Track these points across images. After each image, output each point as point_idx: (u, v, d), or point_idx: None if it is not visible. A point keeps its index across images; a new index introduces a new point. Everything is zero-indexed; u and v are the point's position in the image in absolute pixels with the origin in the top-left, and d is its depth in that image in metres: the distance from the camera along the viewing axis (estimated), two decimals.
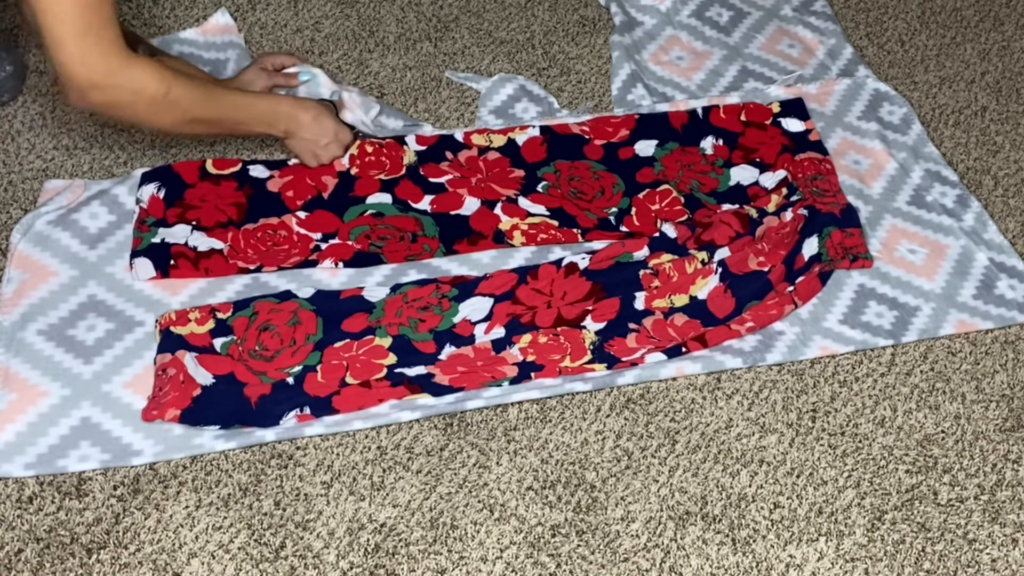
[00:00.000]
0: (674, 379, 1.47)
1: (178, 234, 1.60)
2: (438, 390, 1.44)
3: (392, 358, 1.47)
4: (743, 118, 1.80)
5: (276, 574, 1.28)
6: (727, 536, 1.32)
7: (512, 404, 1.44)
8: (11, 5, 1.89)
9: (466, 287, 1.55)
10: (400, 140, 1.74)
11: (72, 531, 1.31)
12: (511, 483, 1.37)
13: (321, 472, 1.37)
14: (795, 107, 1.81)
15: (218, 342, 1.48)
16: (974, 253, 1.62)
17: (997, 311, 1.56)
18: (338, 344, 1.48)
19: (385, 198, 1.67)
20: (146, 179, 1.66)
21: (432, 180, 1.70)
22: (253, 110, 1.57)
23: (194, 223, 1.62)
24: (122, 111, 1.44)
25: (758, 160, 1.74)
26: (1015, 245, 1.65)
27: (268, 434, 1.40)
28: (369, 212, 1.66)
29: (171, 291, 1.55)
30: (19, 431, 1.39)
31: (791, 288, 1.54)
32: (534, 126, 1.77)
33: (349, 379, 1.45)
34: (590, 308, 1.53)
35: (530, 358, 1.48)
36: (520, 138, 1.76)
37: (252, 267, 1.58)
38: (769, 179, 1.71)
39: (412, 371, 1.46)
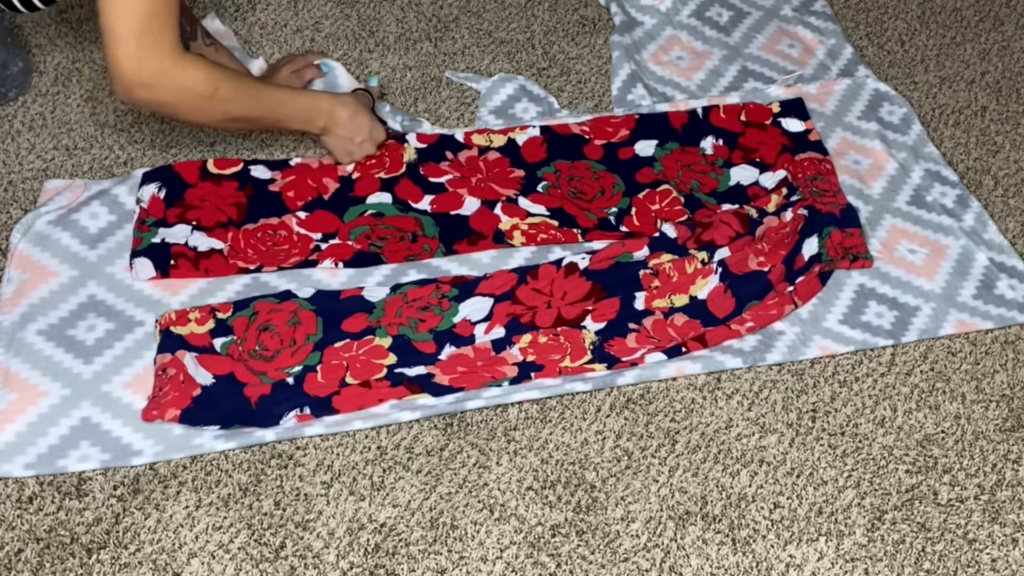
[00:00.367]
0: (674, 379, 1.47)
1: (178, 234, 1.60)
2: (438, 390, 1.44)
3: (392, 358, 1.47)
4: (743, 118, 1.80)
5: (276, 574, 1.28)
6: (727, 536, 1.32)
7: (512, 404, 1.44)
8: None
9: (466, 287, 1.55)
10: (400, 138, 1.74)
11: (72, 531, 1.31)
12: (511, 483, 1.37)
13: (321, 472, 1.37)
14: (795, 107, 1.81)
15: (218, 342, 1.48)
16: (974, 253, 1.62)
17: (997, 311, 1.56)
18: (338, 344, 1.48)
19: (385, 198, 1.67)
20: (147, 179, 1.67)
21: (432, 180, 1.70)
22: (293, 107, 1.58)
23: (194, 223, 1.62)
24: (165, 108, 1.46)
25: (758, 160, 1.74)
26: (1015, 245, 1.65)
27: (268, 434, 1.40)
28: (369, 212, 1.66)
29: (171, 291, 1.55)
30: (19, 431, 1.39)
31: (791, 288, 1.54)
32: (534, 126, 1.77)
33: (349, 379, 1.45)
34: (590, 308, 1.53)
35: (530, 358, 1.48)
36: (520, 138, 1.76)
37: (252, 267, 1.58)
38: (769, 179, 1.71)
39: (412, 371, 1.46)
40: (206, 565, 1.29)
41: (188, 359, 1.44)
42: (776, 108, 1.81)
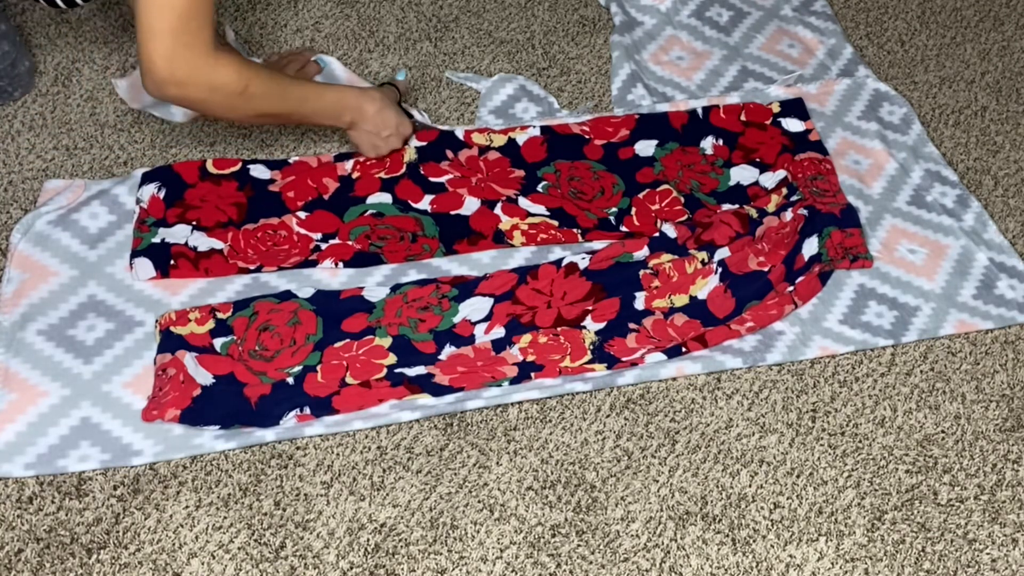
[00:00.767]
0: (674, 379, 1.47)
1: (178, 234, 1.60)
2: (438, 390, 1.44)
3: (392, 358, 1.47)
4: (743, 118, 1.80)
5: (276, 574, 1.28)
6: (727, 536, 1.32)
7: (512, 404, 1.44)
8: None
9: (466, 287, 1.55)
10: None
11: (72, 531, 1.31)
12: (511, 483, 1.37)
13: (321, 472, 1.37)
14: (795, 107, 1.81)
15: (218, 342, 1.48)
16: (974, 253, 1.62)
17: (997, 311, 1.56)
18: (338, 344, 1.48)
19: (385, 198, 1.67)
20: (146, 179, 1.67)
21: (432, 180, 1.70)
22: (321, 103, 1.59)
23: (194, 223, 1.62)
24: (196, 105, 1.48)
25: (758, 160, 1.74)
26: (1015, 245, 1.65)
27: (268, 434, 1.40)
28: (369, 212, 1.66)
29: (171, 291, 1.55)
30: (19, 431, 1.39)
31: (791, 288, 1.54)
32: (534, 126, 1.77)
33: (349, 379, 1.45)
34: (590, 308, 1.53)
35: (530, 358, 1.48)
36: (520, 138, 1.76)
37: (252, 267, 1.58)
38: (769, 179, 1.71)
39: (412, 371, 1.46)
40: (206, 565, 1.29)
41: (188, 359, 1.44)
42: (776, 108, 1.81)
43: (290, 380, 1.44)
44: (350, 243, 1.61)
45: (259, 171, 1.70)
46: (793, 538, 1.32)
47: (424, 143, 1.74)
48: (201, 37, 1.40)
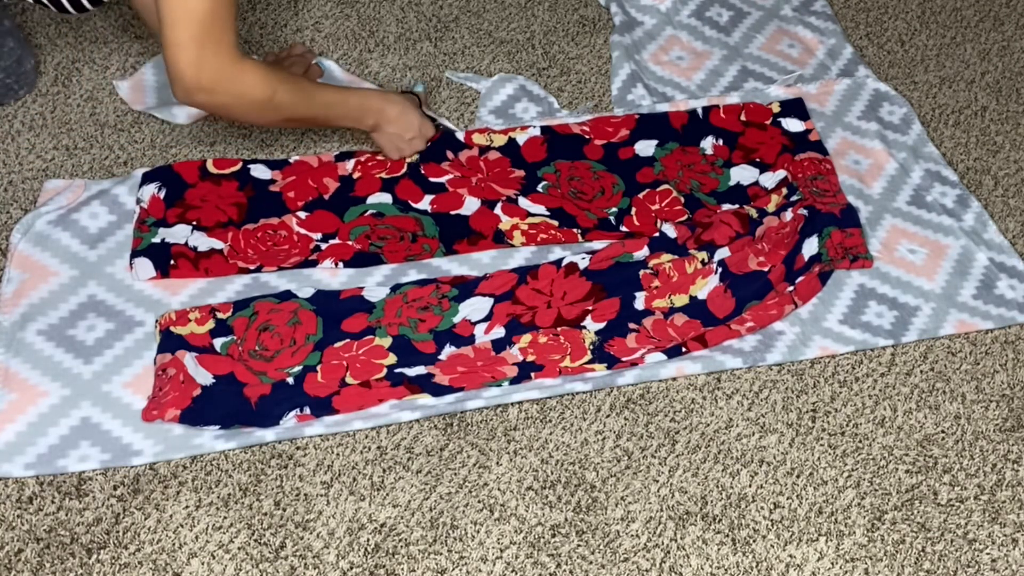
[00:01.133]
0: (674, 379, 1.47)
1: (178, 234, 1.60)
2: (438, 390, 1.44)
3: (392, 358, 1.47)
4: (743, 118, 1.80)
5: (276, 574, 1.28)
6: (727, 536, 1.32)
7: (512, 404, 1.44)
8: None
9: (466, 287, 1.55)
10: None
11: (72, 531, 1.31)
12: (511, 483, 1.37)
13: (321, 472, 1.37)
14: (795, 107, 1.81)
15: (218, 342, 1.48)
16: (974, 253, 1.62)
17: (997, 311, 1.56)
18: (338, 344, 1.48)
19: (385, 198, 1.67)
20: (146, 179, 1.67)
21: (432, 180, 1.70)
22: (345, 107, 1.61)
23: (194, 223, 1.62)
24: (224, 111, 1.50)
25: (758, 160, 1.74)
26: (1015, 245, 1.65)
27: (268, 434, 1.40)
28: (369, 212, 1.66)
29: (171, 291, 1.55)
30: (19, 431, 1.39)
31: (791, 288, 1.54)
32: (535, 126, 1.77)
33: (349, 379, 1.45)
34: (590, 308, 1.53)
35: (530, 358, 1.48)
36: (521, 138, 1.76)
37: (252, 267, 1.58)
38: (769, 179, 1.71)
39: (412, 371, 1.46)
40: (206, 565, 1.29)
41: (188, 359, 1.44)
42: (776, 108, 1.81)
43: (290, 380, 1.44)
44: (350, 243, 1.61)
45: (259, 171, 1.70)
46: (793, 538, 1.32)
47: None
48: (225, 42, 1.41)
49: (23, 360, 1.46)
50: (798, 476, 1.38)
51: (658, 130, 1.78)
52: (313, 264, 1.59)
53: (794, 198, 1.64)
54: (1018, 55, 1.97)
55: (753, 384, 1.47)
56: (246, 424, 1.40)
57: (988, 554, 1.32)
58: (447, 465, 1.39)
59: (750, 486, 1.37)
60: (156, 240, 1.59)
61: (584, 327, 1.51)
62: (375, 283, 1.57)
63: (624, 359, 1.48)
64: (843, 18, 2.04)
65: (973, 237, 1.65)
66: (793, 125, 1.79)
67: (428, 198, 1.68)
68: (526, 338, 1.50)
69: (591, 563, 1.30)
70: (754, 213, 1.63)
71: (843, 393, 1.47)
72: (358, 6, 2.02)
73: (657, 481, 1.37)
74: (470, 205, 1.67)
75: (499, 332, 1.51)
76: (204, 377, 1.43)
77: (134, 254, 1.58)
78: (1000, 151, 1.79)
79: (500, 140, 1.75)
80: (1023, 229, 1.68)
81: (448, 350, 1.49)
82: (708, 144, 1.76)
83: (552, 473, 1.38)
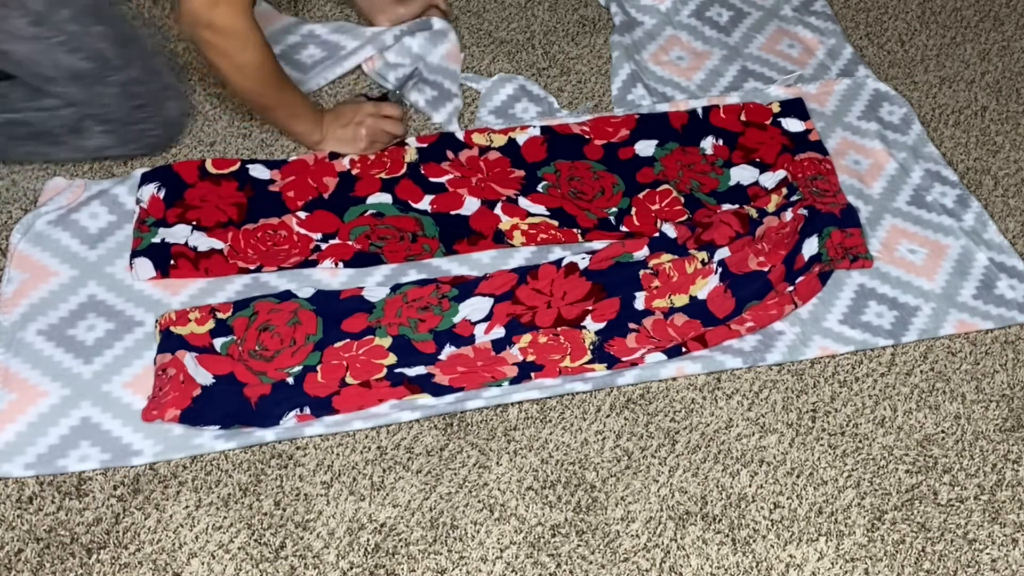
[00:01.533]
0: (674, 379, 1.47)
1: (178, 234, 1.60)
2: (438, 390, 1.44)
3: (392, 358, 1.47)
4: (743, 118, 1.80)
5: (276, 574, 1.28)
6: (727, 536, 1.32)
7: (512, 404, 1.44)
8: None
9: (466, 287, 1.55)
10: (400, 141, 1.74)
11: (72, 531, 1.31)
12: (511, 483, 1.37)
13: (321, 472, 1.37)
14: (795, 107, 1.81)
15: (218, 342, 1.48)
16: (974, 253, 1.62)
17: (997, 311, 1.56)
18: (338, 344, 1.48)
19: (385, 198, 1.67)
20: (146, 179, 1.67)
21: (432, 180, 1.70)
22: (304, 107, 1.66)
23: (194, 223, 1.62)
24: (215, 57, 1.51)
25: (758, 160, 1.74)
26: (1015, 245, 1.65)
27: (268, 434, 1.40)
28: (369, 212, 1.66)
29: (171, 291, 1.55)
30: (19, 431, 1.39)
31: (791, 288, 1.54)
32: (535, 126, 1.77)
33: (349, 379, 1.45)
34: (590, 308, 1.53)
35: (530, 358, 1.48)
36: (521, 138, 1.76)
37: (252, 267, 1.58)
38: (769, 179, 1.71)
39: (412, 371, 1.46)
40: (206, 565, 1.29)
41: (188, 359, 1.44)
42: (776, 108, 1.81)
43: (290, 380, 1.44)
44: (350, 243, 1.61)
45: (258, 171, 1.70)
46: (793, 538, 1.32)
47: (424, 145, 1.74)
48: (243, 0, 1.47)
49: (23, 360, 1.46)
50: (798, 476, 1.38)
51: (658, 130, 1.78)
52: (313, 264, 1.59)
53: (794, 198, 1.64)
54: (1018, 55, 1.97)
55: (753, 384, 1.47)
56: (246, 424, 1.40)
57: (988, 554, 1.32)
58: (447, 465, 1.39)
59: (750, 486, 1.37)
60: (156, 240, 1.59)
61: (584, 327, 1.51)
62: (375, 283, 1.57)
63: (624, 359, 1.48)
64: (843, 18, 2.04)
65: (973, 237, 1.65)
66: (793, 125, 1.78)
67: (428, 198, 1.68)
68: (526, 338, 1.50)
69: (591, 563, 1.30)
70: (754, 213, 1.63)
71: (843, 393, 1.47)
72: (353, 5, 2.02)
73: (657, 481, 1.37)
74: (470, 205, 1.67)
75: (499, 332, 1.51)
76: (204, 377, 1.43)
77: (134, 254, 1.58)
78: (1000, 151, 1.79)
79: (500, 140, 1.75)
80: (1023, 229, 1.68)
81: (448, 350, 1.49)
82: (708, 144, 1.76)
83: (552, 473, 1.38)
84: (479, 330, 1.51)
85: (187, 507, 1.34)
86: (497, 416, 1.44)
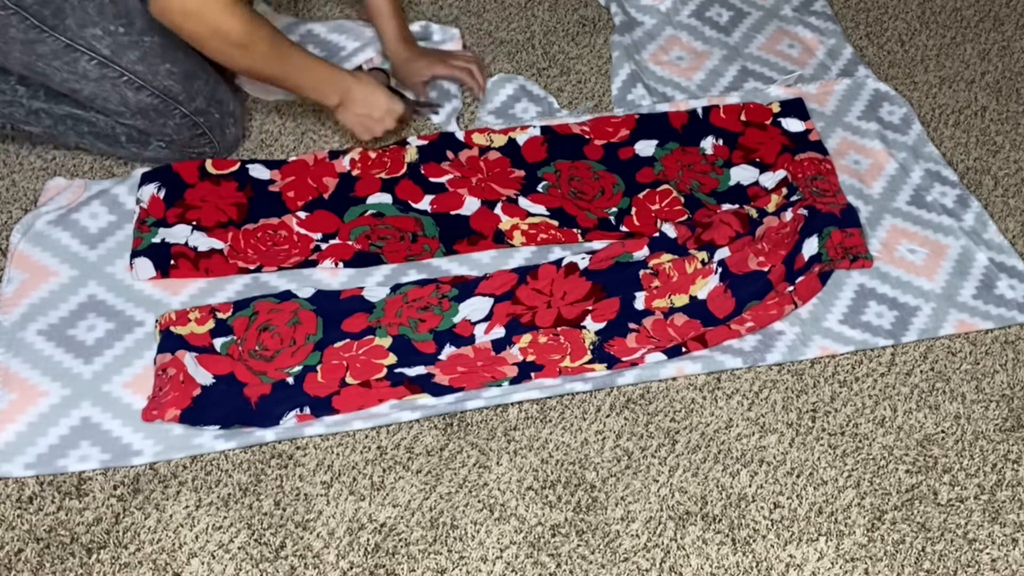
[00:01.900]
0: (674, 379, 1.47)
1: (178, 234, 1.60)
2: (438, 390, 1.44)
3: (392, 358, 1.47)
4: (743, 118, 1.80)
5: (276, 574, 1.28)
6: (727, 536, 1.32)
7: (512, 404, 1.44)
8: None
9: (466, 287, 1.55)
10: (401, 141, 1.74)
11: (72, 531, 1.31)
12: (511, 483, 1.37)
13: (321, 472, 1.37)
14: (795, 107, 1.81)
15: (218, 342, 1.48)
16: (974, 253, 1.62)
17: (997, 311, 1.56)
18: (338, 344, 1.48)
19: (385, 198, 1.67)
20: (146, 179, 1.67)
21: (432, 180, 1.70)
22: (314, 76, 1.60)
23: (194, 223, 1.62)
24: (195, 41, 1.49)
25: (758, 160, 1.74)
26: (1015, 245, 1.65)
27: (268, 434, 1.40)
28: (369, 212, 1.66)
29: (171, 291, 1.55)
30: (19, 431, 1.39)
31: (791, 288, 1.54)
32: (535, 126, 1.77)
33: (349, 379, 1.45)
34: (590, 308, 1.53)
35: (530, 358, 1.48)
36: (521, 138, 1.76)
37: (252, 267, 1.58)
38: (769, 179, 1.71)
39: (412, 371, 1.46)
40: (206, 565, 1.29)
41: (188, 359, 1.44)
42: (776, 108, 1.81)
43: (290, 380, 1.44)
44: (350, 243, 1.61)
45: (258, 171, 1.70)
46: (793, 538, 1.32)
47: (425, 143, 1.74)
48: None
49: (23, 360, 1.46)
50: (798, 476, 1.38)
51: (658, 130, 1.78)
52: (313, 264, 1.59)
53: (794, 198, 1.64)
54: (1018, 55, 1.97)
55: (753, 384, 1.47)
56: (246, 424, 1.40)
57: (988, 554, 1.32)
58: (447, 465, 1.39)
59: (750, 486, 1.37)
60: (156, 240, 1.59)
61: (584, 327, 1.51)
62: (375, 283, 1.57)
63: (624, 359, 1.48)
64: (843, 18, 2.04)
65: (973, 237, 1.65)
66: (793, 125, 1.79)
67: (428, 198, 1.68)
68: (526, 338, 1.50)
69: (591, 563, 1.30)
70: (754, 213, 1.63)
71: (843, 393, 1.47)
72: (358, 7, 2.02)
73: (657, 481, 1.37)
74: (470, 205, 1.67)
75: (499, 332, 1.51)
76: (204, 377, 1.43)
77: (134, 254, 1.58)
78: (1000, 151, 1.79)
79: (500, 140, 1.75)
80: (1023, 229, 1.68)
81: (448, 350, 1.49)
82: (708, 144, 1.76)
83: (552, 473, 1.38)
84: (479, 330, 1.51)
85: (187, 507, 1.34)
86: (497, 416, 1.44)
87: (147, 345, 1.48)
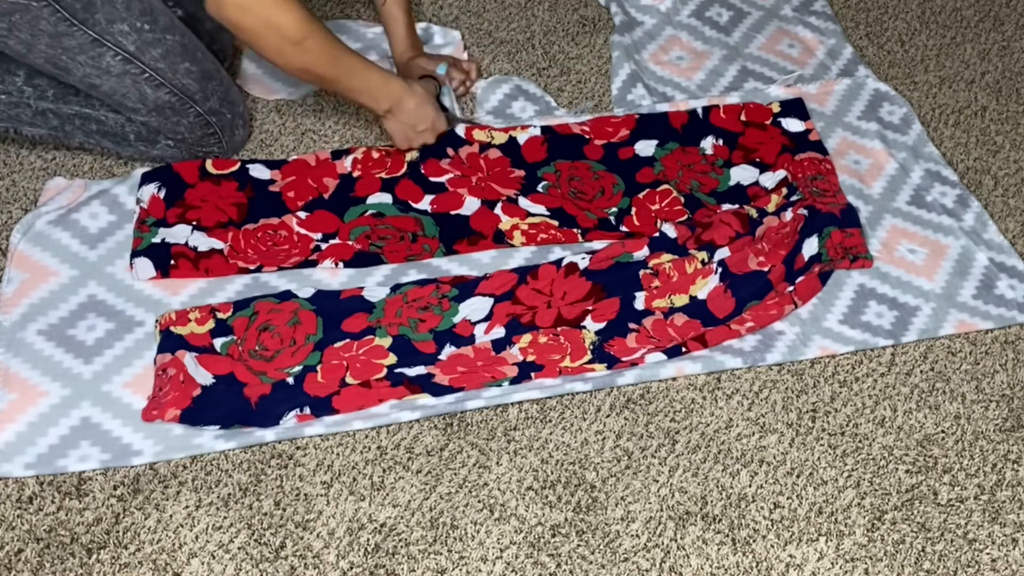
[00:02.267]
0: (674, 379, 1.47)
1: (178, 234, 1.60)
2: (438, 390, 1.44)
3: (392, 358, 1.47)
4: (743, 118, 1.80)
5: (276, 574, 1.28)
6: (727, 536, 1.32)
7: (512, 404, 1.44)
8: None
9: (466, 287, 1.55)
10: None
11: (72, 531, 1.31)
12: (511, 483, 1.37)
13: (321, 472, 1.37)
14: (795, 107, 1.81)
15: (218, 342, 1.48)
16: (974, 253, 1.62)
17: (997, 311, 1.56)
18: (338, 344, 1.48)
19: (385, 198, 1.67)
20: (146, 179, 1.67)
21: (432, 180, 1.70)
22: (366, 81, 1.59)
23: (194, 223, 1.62)
24: (249, 37, 1.48)
25: (758, 160, 1.74)
26: (1015, 245, 1.65)
27: (268, 434, 1.40)
28: (369, 212, 1.66)
29: (171, 291, 1.55)
30: (19, 431, 1.39)
31: (791, 288, 1.54)
32: (535, 126, 1.77)
33: (349, 379, 1.45)
34: (590, 308, 1.53)
35: (530, 358, 1.48)
36: (521, 137, 1.76)
37: (252, 267, 1.58)
38: (769, 179, 1.71)
39: (412, 371, 1.46)
40: (206, 565, 1.29)
41: (188, 359, 1.44)
42: (776, 108, 1.81)
43: (290, 380, 1.44)
44: (350, 243, 1.61)
45: (258, 171, 1.70)
46: (793, 538, 1.32)
47: None
48: None
49: (23, 360, 1.46)
50: (798, 476, 1.38)
51: (658, 130, 1.78)
52: (313, 264, 1.59)
53: (794, 198, 1.64)
54: (1018, 55, 1.97)
55: (753, 384, 1.47)
56: (246, 424, 1.40)
57: (988, 554, 1.32)
58: (447, 465, 1.39)
59: (750, 486, 1.37)
60: (156, 240, 1.59)
61: (584, 327, 1.51)
62: (375, 283, 1.57)
63: (624, 359, 1.48)
64: (843, 18, 2.04)
65: (973, 237, 1.65)
66: (793, 125, 1.79)
67: (428, 198, 1.68)
68: (526, 338, 1.50)
69: (591, 563, 1.30)
70: (754, 213, 1.63)
71: (843, 393, 1.47)
72: (357, 6, 2.02)
73: (657, 481, 1.37)
74: (470, 205, 1.67)
75: (499, 332, 1.51)
76: (204, 377, 1.43)
77: (134, 254, 1.58)
78: (1000, 151, 1.79)
79: (501, 138, 1.75)
80: (1023, 229, 1.68)
81: (448, 350, 1.49)
82: (708, 144, 1.76)
83: (552, 473, 1.38)
84: (479, 330, 1.51)
85: (187, 507, 1.34)
86: (497, 416, 1.44)
87: (147, 345, 1.48)
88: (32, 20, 1.51)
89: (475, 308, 1.53)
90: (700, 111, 1.80)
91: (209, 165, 1.69)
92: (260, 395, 1.42)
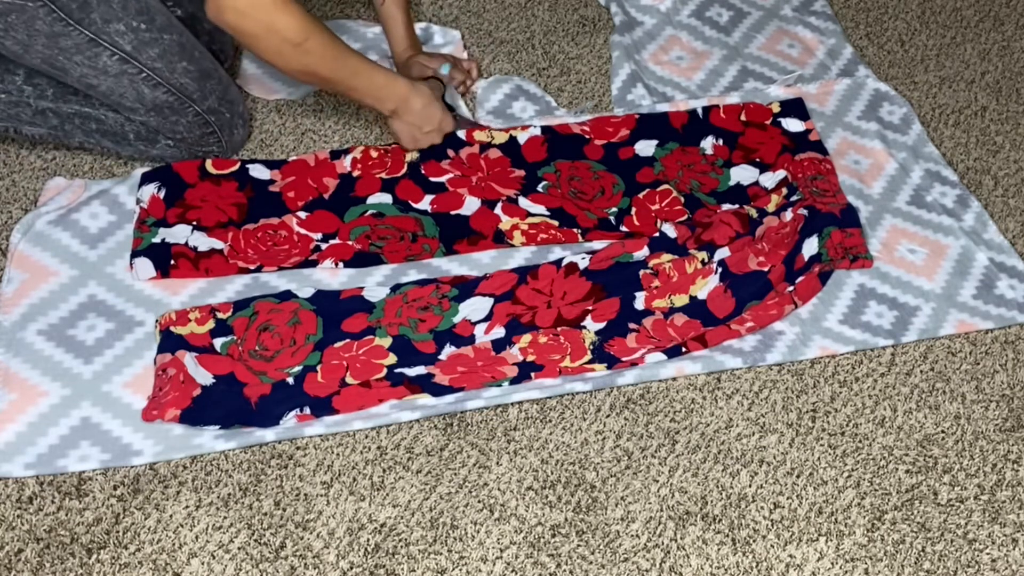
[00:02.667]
0: (674, 379, 1.47)
1: (178, 234, 1.60)
2: (438, 390, 1.44)
3: (392, 358, 1.47)
4: (743, 118, 1.80)
5: (276, 574, 1.28)
6: (727, 536, 1.32)
7: (512, 404, 1.44)
8: None
9: (466, 287, 1.55)
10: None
11: (72, 531, 1.31)
12: (511, 483, 1.37)
13: (321, 472, 1.37)
14: (795, 107, 1.81)
15: (218, 342, 1.48)
16: (974, 253, 1.62)
17: (997, 311, 1.56)
18: (338, 344, 1.48)
19: (385, 198, 1.67)
20: (146, 179, 1.67)
21: (432, 180, 1.70)
22: (371, 82, 1.58)
23: (194, 223, 1.62)
24: (249, 40, 1.48)
25: (758, 160, 1.74)
26: (1015, 245, 1.65)
27: (268, 434, 1.40)
28: (369, 212, 1.66)
29: (171, 291, 1.55)
30: (19, 431, 1.39)
31: (791, 288, 1.54)
32: (535, 126, 1.77)
33: (349, 379, 1.45)
34: (590, 308, 1.53)
35: (530, 358, 1.48)
36: (521, 137, 1.76)
37: (252, 267, 1.58)
38: (769, 179, 1.71)
39: (412, 371, 1.46)
40: (206, 565, 1.29)
41: (188, 359, 1.44)
42: (776, 108, 1.81)
43: (290, 380, 1.44)
44: (350, 243, 1.61)
45: (258, 171, 1.70)
46: (793, 538, 1.32)
47: None
48: None
49: (23, 360, 1.46)
50: (798, 476, 1.38)
51: (658, 130, 1.78)
52: (313, 264, 1.59)
53: (794, 198, 1.64)
54: (1018, 55, 1.97)
55: (753, 384, 1.47)
56: (246, 424, 1.40)
57: (988, 554, 1.32)
58: (447, 465, 1.39)
59: (750, 486, 1.37)
60: (156, 240, 1.59)
61: (584, 327, 1.51)
62: (375, 283, 1.57)
63: (624, 359, 1.48)
64: (843, 18, 2.04)
65: (973, 237, 1.65)
66: (793, 125, 1.79)
67: (428, 198, 1.68)
68: (526, 338, 1.50)
69: (591, 563, 1.30)
70: (754, 213, 1.63)
71: (843, 393, 1.47)
72: (357, 6, 2.02)
73: (657, 481, 1.37)
74: (470, 205, 1.67)
75: (499, 332, 1.51)
76: (204, 377, 1.43)
77: (134, 254, 1.58)
78: (1000, 151, 1.79)
79: (501, 137, 1.75)
80: (1023, 229, 1.68)
81: (448, 350, 1.49)
82: (708, 144, 1.76)
83: (552, 473, 1.38)
84: (479, 330, 1.51)
85: (187, 507, 1.34)
86: (497, 416, 1.44)
87: (147, 345, 1.48)
88: (28, 20, 1.51)
89: (475, 308, 1.53)
90: (700, 111, 1.80)
91: (209, 165, 1.69)
92: (260, 395, 1.42)
